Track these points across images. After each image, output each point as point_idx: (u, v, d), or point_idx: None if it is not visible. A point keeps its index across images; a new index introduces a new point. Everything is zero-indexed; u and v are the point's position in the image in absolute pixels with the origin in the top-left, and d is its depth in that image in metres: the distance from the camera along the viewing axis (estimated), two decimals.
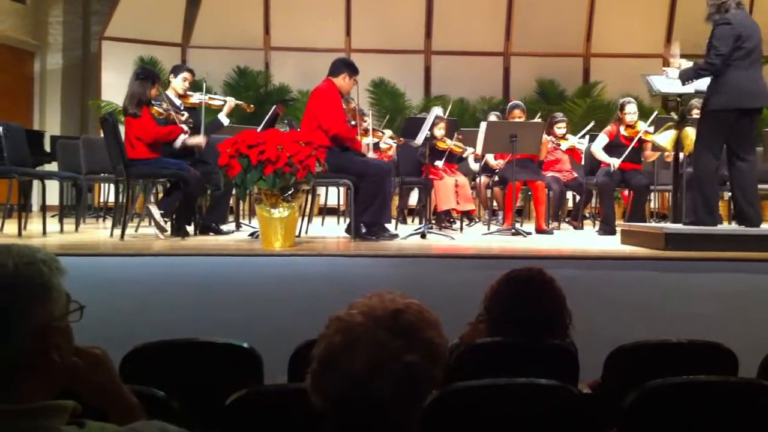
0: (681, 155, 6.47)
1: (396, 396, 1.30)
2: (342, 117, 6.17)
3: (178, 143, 6.31)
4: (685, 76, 5.63)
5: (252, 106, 7.42)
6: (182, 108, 6.56)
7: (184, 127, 6.28)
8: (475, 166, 8.71)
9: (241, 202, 8.03)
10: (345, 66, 6.30)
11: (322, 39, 12.06)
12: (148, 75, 6.27)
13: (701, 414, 1.91)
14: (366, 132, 7.99)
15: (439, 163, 7.97)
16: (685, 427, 1.91)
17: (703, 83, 5.62)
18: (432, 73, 12.62)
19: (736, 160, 5.47)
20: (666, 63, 11.97)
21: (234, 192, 6.56)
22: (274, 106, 7.24)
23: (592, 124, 8.96)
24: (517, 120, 7.74)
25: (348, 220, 6.64)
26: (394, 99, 12.09)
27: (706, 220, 5.48)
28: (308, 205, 7.15)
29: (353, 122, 6.60)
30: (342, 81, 6.22)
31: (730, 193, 7.11)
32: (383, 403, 1.30)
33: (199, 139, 6.47)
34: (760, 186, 5.77)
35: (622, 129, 7.64)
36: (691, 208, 5.90)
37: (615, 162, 7.47)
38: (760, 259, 4.91)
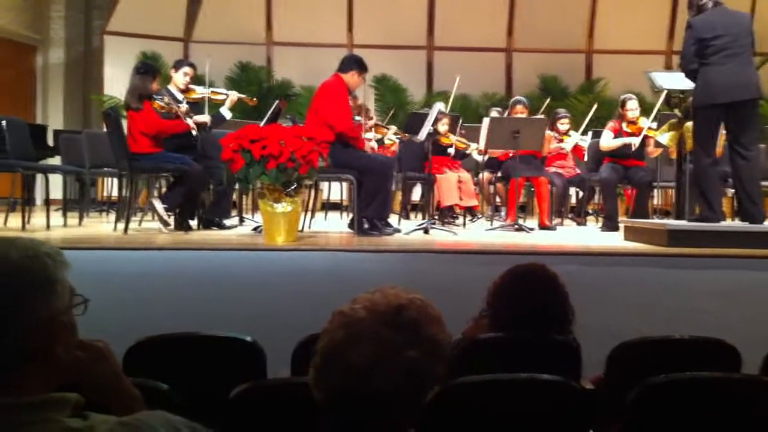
0: (684, 151, 6.45)
1: (398, 391, 1.30)
2: (349, 115, 6.15)
3: (191, 122, 6.33)
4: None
5: (255, 99, 7.41)
6: (183, 101, 6.56)
7: (190, 121, 6.29)
8: (479, 158, 8.69)
9: (244, 196, 8.03)
10: (355, 63, 6.28)
11: (324, 34, 12.05)
12: (148, 69, 6.27)
13: (704, 410, 1.91)
14: (370, 129, 8.00)
15: (451, 150, 7.99)
16: (687, 424, 1.91)
17: None
18: (434, 69, 12.61)
19: (737, 157, 5.45)
20: (668, 61, 12.02)
21: (237, 187, 6.56)
22: (277, 101, 7.24)
23: (594, 108, 8.97)
24: (519, 116, 7.73)
25: (351, 215, 6.64)
26: (397, 94, 12.09)
27: (709, 216, 5.47)
28: (311, 200, 7.15)
29: (358, 118, 6.59)
30: (351, 78, 6.20)
31: (733, 190, 7.11)
32: (385, 398, 1.30)
33: (204, 117, 6.52)
34: (762, 183, 5.75)
35: (624, 125, 7.62)
36: (694, 205, 5.90)
37: (636, 141, 7.43)
38: (764, 255, 4.90)
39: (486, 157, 8.34)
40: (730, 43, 5.32)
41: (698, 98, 5.47)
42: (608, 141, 7.61)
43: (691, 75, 5.50)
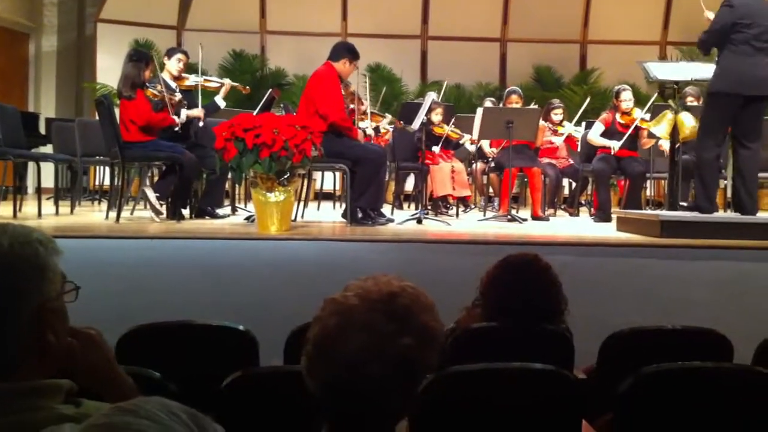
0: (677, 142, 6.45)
1: (390, 379, 1.30)
2: (341, 104, 6.12)
3: (183, 118, 6.29)
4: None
5: (248, 87, 7.38)
6: (177, 90, 6.52)
7: (176, 118, 6.24)
8: (471, 148, 8.68)
9: (236, 185, 8.01)
10: (346, 51, 6.25)
11: (318, 23, 12.01)
12: (141, 57, 6.23)
13: (696, 400, 1.91)
14: (365, 116, 7.97)
15: (436, 149, 7.97)
16: (679, 413, 1.91)
17: (701, 71, 5.59)
18: (428, 59, 12.58)
19: (739, 147, 5.44)
20: (663, 52, 12.04)
21: (230, 176, 6.54)
22: (270, 90, 7.21)
23: (588, 101, 8.98)
24: (513, 106, 7.72)
25: (344, 205, 6.63)
26: (390, 84, 12.05)
27: (705, 207, 5.48)
28: (304, 190, 7.13)
29: (351, 106, 6.56)
30: (342, 66, 6.17)
31: (726, 181, 7.13)
32: (378, 386, 1.29)
33: (198, 111, 6.48)
34: (759, 174, 5.74)
35: (617, 116, 7.63)
36: (688, 195, 5.90)
37: (615, 144, 7.45)
38: (755, 246, 4.92)
39: (478, 147, 8.32)
40: (761, 35, 5.24)
41: (720, 84, 5.33)
42: (595, 136, 7.64)
43: (705, 50, 5.39)
